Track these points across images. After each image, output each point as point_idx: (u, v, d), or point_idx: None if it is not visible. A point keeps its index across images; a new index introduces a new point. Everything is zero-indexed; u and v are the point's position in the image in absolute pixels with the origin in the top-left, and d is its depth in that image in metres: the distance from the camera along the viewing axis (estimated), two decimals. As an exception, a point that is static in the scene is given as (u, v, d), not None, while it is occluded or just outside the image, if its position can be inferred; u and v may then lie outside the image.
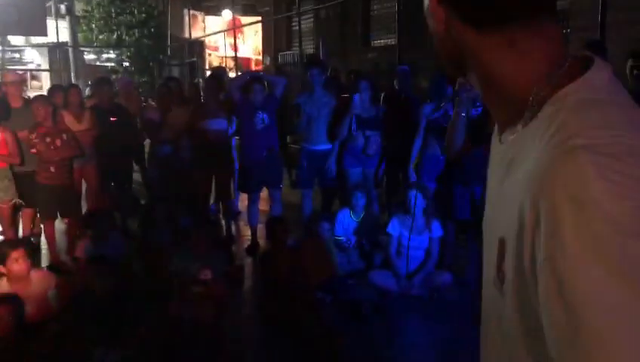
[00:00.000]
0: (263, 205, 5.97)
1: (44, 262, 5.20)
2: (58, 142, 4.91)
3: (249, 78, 5.66)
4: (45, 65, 17.43)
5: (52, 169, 4.94)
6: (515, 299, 0.70)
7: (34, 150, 4.95)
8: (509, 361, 0.76)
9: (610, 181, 0.59)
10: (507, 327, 0.74)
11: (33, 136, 4.86)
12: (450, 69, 0.86)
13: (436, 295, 4.34)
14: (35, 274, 3.60)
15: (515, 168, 0.73)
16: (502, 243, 0.73)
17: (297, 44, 11.19)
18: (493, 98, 0.80)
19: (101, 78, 6.80)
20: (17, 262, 3.41)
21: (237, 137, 6.21)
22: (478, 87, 0.81)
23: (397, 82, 5.98)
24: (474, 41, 0.76)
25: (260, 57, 16.20)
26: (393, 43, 10.00)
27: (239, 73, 14.78)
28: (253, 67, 16.30)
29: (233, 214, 6.35)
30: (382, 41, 11.41)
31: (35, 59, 17.97)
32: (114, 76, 15.34)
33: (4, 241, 3.70)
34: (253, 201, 5.64)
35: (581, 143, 0.62)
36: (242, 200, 6.59)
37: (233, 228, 6.30)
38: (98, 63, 17.64)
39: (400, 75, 5.92)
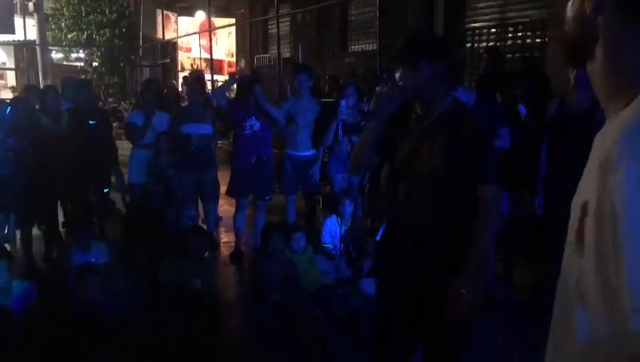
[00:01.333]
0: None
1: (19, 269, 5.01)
2: (36, 146, 4.73)
3: (248, 80, 5.56)
4: (11, 64, 16.95)
5: (29, 172, 4.76)
6: (594, 256, 0.85)
7: (11, 153, 4.76)
8: (586, 319, 0.89)
9: None
10: (585, 285, 0.89)
11: (11, 140, 4.68)
12: (571, 57, 0.97)
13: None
14: (16, 285, 3.45)
15: (602, 141, 0.89)
16: (584, 207, 0.89)
17: (274, 47, 11.12)
18: (610, 87, 0.91)
19: (80, 81, 6.62)
20: (2, 273, 3.26)
21: (220, 141, 6.11)
22: (597, 76, 0.93)
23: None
24: (618, 30, 0.87)
25: (233, 59, 16.06)
26: (371, 48, 10.03)
27: (223, 77, 14.67)
28: (226, 69, 16.14)
29: (214, 220, 6.25)
30: (359, 46, 11.43)
31: (0, 57, 17.46)
32: (82, 76, 15.01)
33: None
34: (240, 208, 5.54)
35: None
36: (222, 205, 6.49)
37: (214, 233, 6.20)
38: (67, 63, 17.25)
39: (382, 82, 5.92)
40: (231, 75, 10.88)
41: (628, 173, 0.78)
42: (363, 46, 11.21)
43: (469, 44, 8.39)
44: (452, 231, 2.16)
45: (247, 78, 5.91)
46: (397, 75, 2.20)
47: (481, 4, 8.23)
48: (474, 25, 8.34)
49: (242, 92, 5.42)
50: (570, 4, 0.96)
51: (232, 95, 6.49)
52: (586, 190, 0.90)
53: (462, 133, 2.12)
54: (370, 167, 2.64)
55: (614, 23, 0.87)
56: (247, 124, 5.25)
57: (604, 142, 0.88)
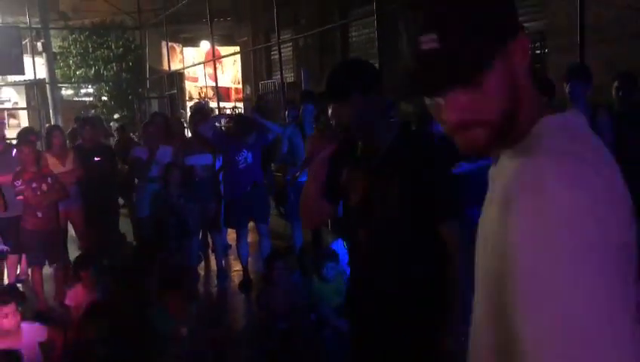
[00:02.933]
0: (250, 237, 5.90)
1: (31, 309, 5.06)
2: (44, 187, 4.82)
3: (241, 119, 5.66)
4: (23, 103, 17.25)
5: (39, 214, 4.84)
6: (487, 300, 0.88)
7: (20, 197, 4.84)
8: None
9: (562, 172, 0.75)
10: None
11: (19, 182, 4.76)
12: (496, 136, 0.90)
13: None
14: (25, 327, 3.48)
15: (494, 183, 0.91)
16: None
17: (278, 73, 11.22)
18: (506, 137, 0.89)
19: (85, 118, 6.74)
20: (8, 317, 3.30)
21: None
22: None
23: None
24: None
25: (240, 86, 16.22)
26: (373, 68, 10.09)
27: (231, 103, 14.82)
28: (233, 96, 16.31)
29: (223, 248, 6.28)
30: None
31: (11, 97, 17.79)
32: (92, 111, 15.24)
33: None
34: (241, 237, 5.58)
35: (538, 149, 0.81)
36: (231, 233, 6.52)
37: (223, 262, 6.22)
38: (76, 99, 17.52)
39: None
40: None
41: (521, 212, 0.75)
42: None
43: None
44: (424, 283, 1.89)
45: (245, 118, 5.98)
46: (330, 113, 1.96)
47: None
48: (473, 40, 8.36)
49: (239, 129, 5.44)
50: None
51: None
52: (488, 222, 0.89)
53: (414, 169, 1.87)
54: (325, 219, 2.34)
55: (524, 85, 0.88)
56: (241, 158, 5.30)
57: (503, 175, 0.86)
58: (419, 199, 1.84)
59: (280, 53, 9.83)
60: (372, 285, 1.98)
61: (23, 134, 5.72)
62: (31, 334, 3.49)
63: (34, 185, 4.77)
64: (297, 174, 2.55)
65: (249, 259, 5.74)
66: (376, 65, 7.99)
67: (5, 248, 4.99)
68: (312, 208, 2.08)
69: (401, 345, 1.92)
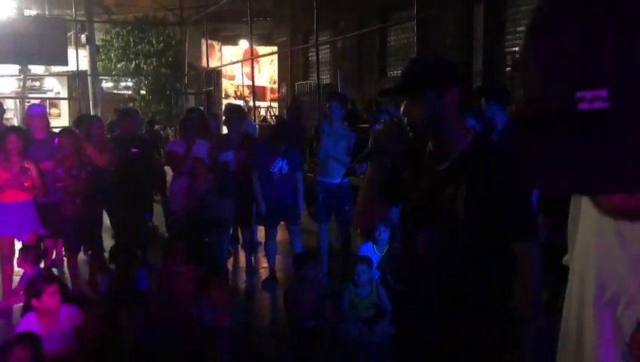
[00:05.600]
0: (281, 235, 5.94)
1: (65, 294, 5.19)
2: (84, 175, 4.94)
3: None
4: (64, 94, 17.71)
5: (78, 201, 4.96)
6: None
7: (60, 183, 4.98)
8: None
9: None
10: None
11: (60, 170, 4.89)
12: None
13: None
14: (63, 309, 3.58)
15: None
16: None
17: (314, 74, 11.28)
18: None
19: (125, 110, 6.88)
20: (51, 296, 3.41)
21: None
22: None
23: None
24: None
25: (275, 86, 16.35)
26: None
27: (266, 103, 14.92)
28: (269, 96, 16.44)
29: (253, 245, 6.34)
30: (398, 71, 11.48)
31: (54, 87, 18.27)
32: (130, 104, 15.55)
33: (38, 276, 3.70)
34: (270, 237, 5.61)
35: None
36: (261, 230, 6.57)
37: (252, 258, 6.28)
38: (116, 91, 17.90)
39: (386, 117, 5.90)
40: None
41: None
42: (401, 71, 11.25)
43: (508, 69, 8.33)
44: (484, 291, 1.79)
45: (283, 122, 6.00)
46: (402, 109, 1.86)
47: (521, 28, 8.17)
48: (513, 49, 8.28)
49: (277, 134, 5.47)
50: None
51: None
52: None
53: (487, 180, 1.73)
54: (380, 220, 2.16)
55: None
56: (276, 169, 5.31)
57: None
58: (488, 210, 1.72)
59: (317, 54, 9.89)
60: (425, 290, 1.89)
61: (75, 122, 5.87)
62: (68, 317, 3.59)
63: (74, 172, 4.90)
64: (355, 165, 2.49)
65: (278, 257, 5.78)
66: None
67: (44, 233, 5.13)
68: (367, 209, 2.00)
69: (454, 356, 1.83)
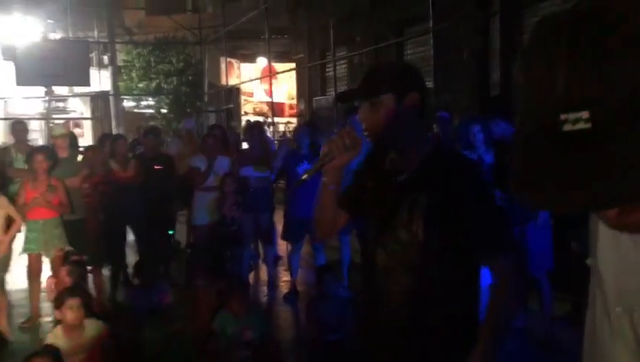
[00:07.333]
0: (304, 248, 5.97)
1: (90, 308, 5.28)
2: (109, 191, 5.05)
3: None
4: (87, 114, 18.07)
5: (101, 217, 5.07)
6: None
7: (87, 199, 5.10)
8: None
9: None
10: None
11: (86, 185, 5.02)
12: None
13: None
14: (88, 323, 3.65)
15: None
16: None
17: (332, 89, 11.36)
18: None
19: (149, 128, 7.05)
20: (72, 309, 3.48)
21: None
22: None
23: (437, 128, 5.99)
24: None
25: (294, 102, 16.49)
26: (426, 86, 10.10)
27: (285, 118, 15.01)
28: (287, 112, 16.58)
29: (274, 259, 6.39)
30: (415, 84, 11.50)
31: (77, 107, 18.66)
32: (151, 123, 15.80)
33: (64, 289, 3.78)
34: (295, 250, 5.66)
35: None
36: (281, 244, 6.62)
37: (273, 272, 6.32)
38: (137, 110, 18.21)
39: (440, 122, 5.94)
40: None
41: None
42: (419, 84, 11.27)
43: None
44: (447, 317, 1.70)
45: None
46: (358, 115, 1.79)
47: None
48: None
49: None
50: None
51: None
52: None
53: (448, 189, 1.65)
54: (337, 229, 1.96)
55: None
56: (302, 169, 5.36)
57: None
58: (453, 223, 1.64)
59: (335, 70, 9.97)
60: (384, 309, 1.79)
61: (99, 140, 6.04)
62: (92, 331, 3.65)
63: (100, 188, 5.02)
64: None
65: (300, 271, 5.82)
66: (431, 83, 8.00)
67: (70, 248, 5.23)
68: (325, 220, 1.91)
69: None
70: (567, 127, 0.60)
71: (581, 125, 0.59)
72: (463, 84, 8.62)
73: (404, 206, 1.70)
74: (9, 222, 4.81)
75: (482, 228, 1.65)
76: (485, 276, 4.15)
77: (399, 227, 1.70)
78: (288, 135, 14.24)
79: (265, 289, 6.11)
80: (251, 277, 6.31)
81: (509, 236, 1.71)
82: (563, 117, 0.60)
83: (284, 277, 6.32)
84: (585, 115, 0.59)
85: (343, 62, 13.09)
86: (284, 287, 6.04)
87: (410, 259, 1.70)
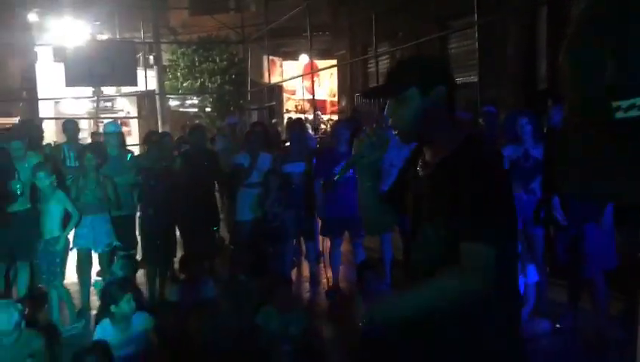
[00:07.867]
0: (343, 246, 5.95)
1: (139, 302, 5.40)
2: (159, 186, 5.18)
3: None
4: (134, 113, 18.52)
5: (150, 212, 5.20)
6: None
7: (136, 189, 5.24)
8: None
9: None
10: None
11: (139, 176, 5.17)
12: None
13: (533, 343, 4.14)
14: (136, 316, 3.74)
15: None
16: None
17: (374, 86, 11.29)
18: None
19: (194, 126, 7.20)
20: (128, 303, 3.58)
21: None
22: None
23: (483, 122, 5.87)
24: None
25: (335, 99, 16.48)
26: (471, 80, 9.92)
27: (327, 116, 15.03)
28: (329, 109, 16.58)
29: (316, 255, 6.39)
30: (459, 78, 11.31)
31: (125, 107, 19.14)
32: (196, 121, 16.07)
33: (114, 283, 3.89)
34: (335, 246, 5.65)
35: None
36: (322, 241, 6.62)
37: (315, 269, 6.33)
38: (182, 109, 18.55)
39: (486, 116, 5.82)
40: None
41: None
42: (463, 78, 11.09)
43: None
44: (473, 317, 1.62)
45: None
46: (385, 110, 1.78)
47: (587, 30, 7.91)
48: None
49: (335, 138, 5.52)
50: None
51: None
52: None
53: (455, 182, 1.61)
54: (393, 224, 1.94)
55: None
56: (339, 168, 5.31)
57: None
58: (455, 223, 1.59)
59: (377, 65, 9.91)
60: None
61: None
62: (140, 323, 3.74)
63: (151, 182, 5.16)
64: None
65: (341, 267, 5.81)
66: (476, 77, 7.85)
67: (118, 244, 5.37)
68: (371, 217, 1.97)
69: None
70: (620, 115, 0.54)
71: (635, 112, 0.53)
72: (509, 78, 8.43)
73: (423, 204, 1.71)
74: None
75: (462, 217, 1.57)
76: (531, 274, 4.07)
77: (424, 223, 1.71)
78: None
79: (307, 285, 6.13)
80: (293, 273, 6.35)
81: (482, 228, 1.55)
82: (615, 104, 0.53)
83: (327, 273, 6.32)
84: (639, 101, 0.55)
85: (385, 57, 12.99)
86: (326, 283, 6.05)
87: (433, 256, 1.68)
